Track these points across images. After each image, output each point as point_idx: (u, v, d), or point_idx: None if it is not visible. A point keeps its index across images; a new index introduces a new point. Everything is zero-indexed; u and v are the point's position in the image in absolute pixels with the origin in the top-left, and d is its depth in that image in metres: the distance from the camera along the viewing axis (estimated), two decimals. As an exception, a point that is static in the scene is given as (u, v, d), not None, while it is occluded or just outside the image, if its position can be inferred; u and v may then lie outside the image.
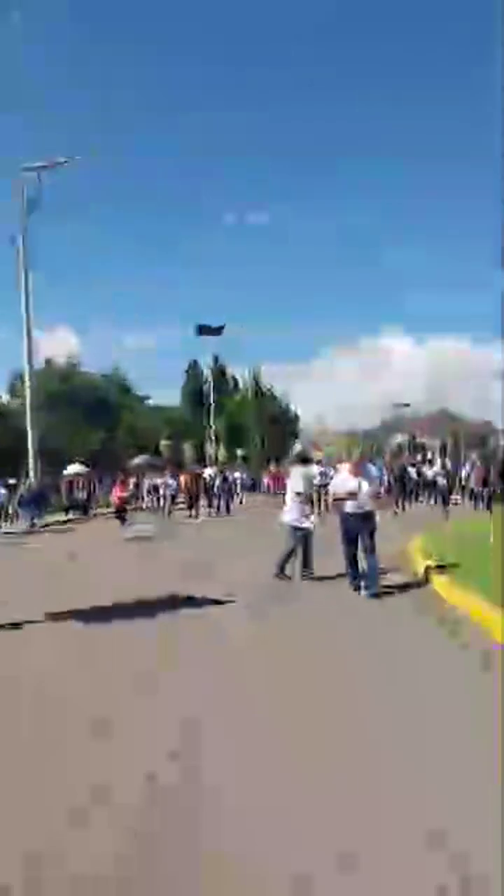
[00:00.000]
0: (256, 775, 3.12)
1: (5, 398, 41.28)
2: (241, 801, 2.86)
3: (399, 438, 65.83)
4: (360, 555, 7.37)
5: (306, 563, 8.38)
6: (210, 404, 48.88)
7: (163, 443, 37.06)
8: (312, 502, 9.37)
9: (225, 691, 4.34)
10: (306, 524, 8.35)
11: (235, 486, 25.40)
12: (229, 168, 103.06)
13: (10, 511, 20.46)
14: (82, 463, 26.09)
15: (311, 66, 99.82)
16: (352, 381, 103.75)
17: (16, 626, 6.54)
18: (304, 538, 8.33)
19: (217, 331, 45.76)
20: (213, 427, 47.33)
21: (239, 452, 43.97)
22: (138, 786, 3.01)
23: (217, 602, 7.23)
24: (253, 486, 32.79)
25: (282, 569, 8.28)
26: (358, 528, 7.31)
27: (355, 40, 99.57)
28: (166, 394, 61.19)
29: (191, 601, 7.30)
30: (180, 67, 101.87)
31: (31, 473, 21.88)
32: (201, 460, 38.31)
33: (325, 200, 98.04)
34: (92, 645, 5.84)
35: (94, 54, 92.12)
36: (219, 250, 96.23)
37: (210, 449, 44.20)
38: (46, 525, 19.35)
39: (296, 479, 8.71)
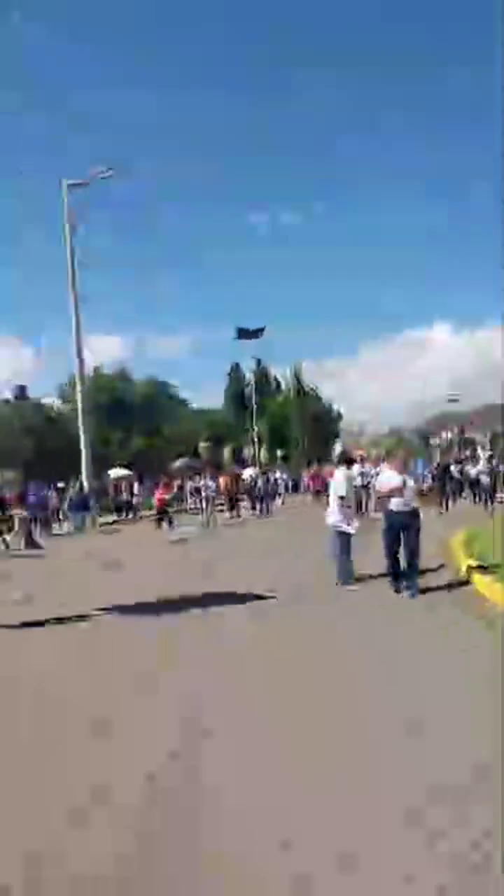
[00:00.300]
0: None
1: (57, 403, 42.67)
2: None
3: (448, 434, 64.77)
4: (402, 553, 7.36)
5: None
6: (252, 406, 49.34)
7: (201, 445, 37.66)
8: (355, 505, 9.44)
9: (262, 682, 4.51)
10: (348, 528, 8.28)
11: (277, 486, 25.72)
12: (263, 168, 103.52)
13: (60, 513, 21.31)
14: (125, 466, 26.84)
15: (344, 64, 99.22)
16: (397, 376, 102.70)
17: (59, 620, 7.02)
18: (347, 540, 8.29)
19: (256, 333, 46.14)
20: (256, 428, 47.75)
21: (279, 453, 44.21)
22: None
23: (259, 597, 7.48)
24: (295, 486, 33.03)
25: (346, 571, 8.11)
26: (402, 526, 7.31)
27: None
28: (209, 397, 61.98)
29: (233, 598, 7.53)
30: (207, 66, 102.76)
31: (83, 477, 22.64)
32: (242, 462, 38.75)
33: (362, 198, 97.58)
34: (138, 637, 6.17)
35: (118, 55, 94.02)
36: (258, 249, 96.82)
37: (250, 450, 44.59)
38: (94, 527, 20.00)
39: (339, 482, 8.59)
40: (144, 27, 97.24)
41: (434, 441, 60.65)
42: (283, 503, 25.54)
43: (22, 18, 78.16)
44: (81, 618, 7.10)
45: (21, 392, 43.75)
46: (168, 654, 5.58)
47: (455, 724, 3.64)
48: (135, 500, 23.35)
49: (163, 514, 18.28)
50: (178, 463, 36.09)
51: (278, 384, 61.57)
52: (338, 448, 41.43)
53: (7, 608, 7.86)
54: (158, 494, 19.07)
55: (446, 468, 19.17)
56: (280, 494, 27.27)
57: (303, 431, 51.13)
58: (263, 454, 43.98)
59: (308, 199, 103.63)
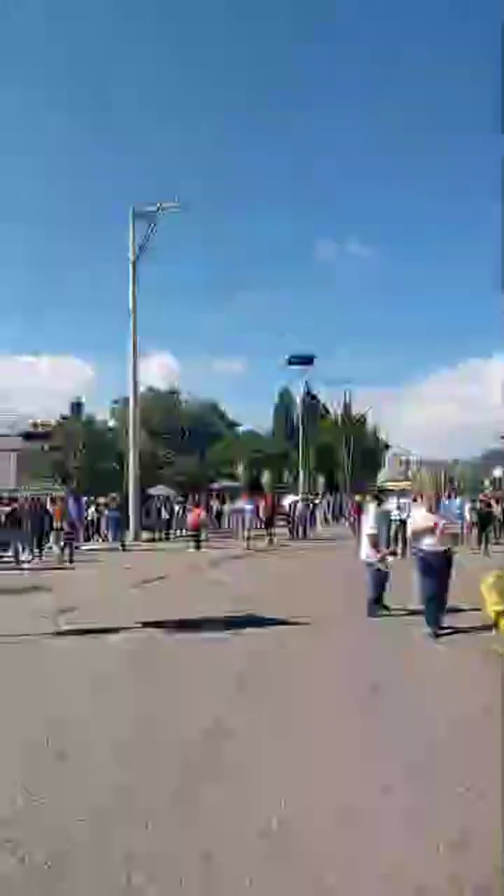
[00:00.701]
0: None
1: (110, 421, 44.15)
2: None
3: (499, 471, 63.16)
4: (433, 592, 7.27)
5: (377, 600, 8.46)
6: (300, 431, 49.65)
7: (240, 468, 38.24)
8: (389, 541, 9.52)
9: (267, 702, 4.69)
10: (377, 564, 8.39)
11: (316, 513, 25.79)
12: (322, 195, 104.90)
13: (102, 529, 21.77)
14: (169, 486, 27.38)
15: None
16: (451, 408, 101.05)
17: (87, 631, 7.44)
18: (378, 575, 8.40)
19: (308, 360, 46.54)
20: (302, 453, 47.97)
21: (320, 480, 44.27)
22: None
23: (285, 623, 7.73)
24: (340, 514, 33.04)
25: (372, 606, 8.33)
26: (434, 567, 7.28)
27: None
28: (259, 420, 62.59)
29: (259, 620, 7.85)
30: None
31: (130, 494, 23.34)
32: (281, 487, 39.07)
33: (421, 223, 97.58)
34: (177, 646, 6.43)
35: (179, 87, 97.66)
36: (313, 275, 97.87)
37: (292, 476, 44.78)
38: (130, 543, 20.39)
39: (369, 518, 8.73)
40: (210, 58, 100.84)
41: (487, 476, 59.20)
42: (322, 531, 25.67)
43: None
44: (119, 630, 7.55)
45: (77, 408, 45.54)
46: (197, 664, 5.89)
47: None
48: (173, 520, 23.82)
49: (197, 535, 18.62)
50: (217, 484, 36.70)
51: (327, 410, 61.73)
52: (381, 477, 41.22)
53: (47, 620, 8.35)
54: (194, 515, 19.39)
55: (488, 505, 18.87)
56: (322, 522, 27.39)
57: (349, 459, 51.04)
58: (307, 480, 44.07)
59: (373, 229, 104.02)
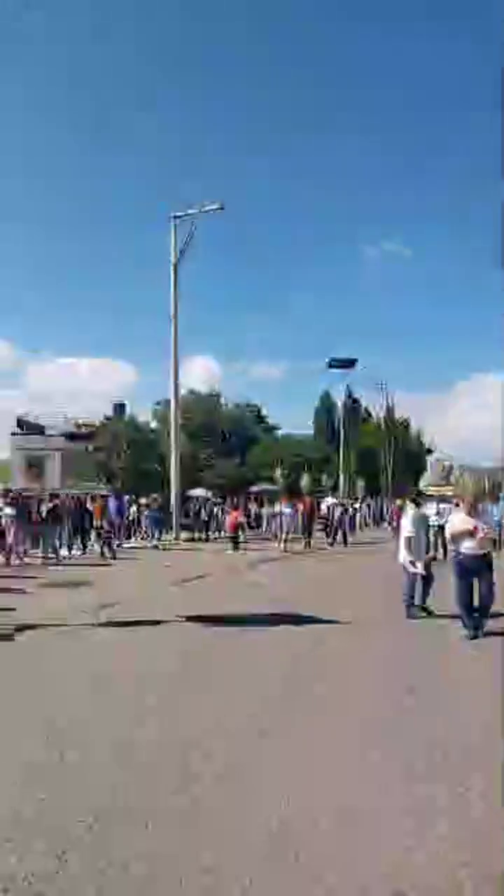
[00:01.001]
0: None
1: (153, 423, 44.83)
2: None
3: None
4: (473, 596, 7.28)
5: (415, 602, 8.42)
6: (340, 434, 49.36)
7: (278, 472, 38.28)
8: (429, 545, 9.44)
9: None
10: (413, 568, 8.43)
11: (356, 518, 25.56)
12: (364, 195, 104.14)
13: (142, 527, 22.08)
14: (207, 488, 27.58)
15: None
16: (497, 412, 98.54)
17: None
18: (414, 578, 8.41)
19: (349, 364, 46.29)
20: (342, 457, 47.69)
21: (360, 483, 43.85)
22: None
23: (321, 621, 7.87)
24: (381, 518, 32.73)
25: (410, 608, 8.37)
26: (474, 571, 7.25)
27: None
28: (300, 424, 62.56)
29: (296, 618, 8.00)
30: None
31: (172, 494, 23.65)
32: (320, 491, 38.88)
33: (462, 223, 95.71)
34: (215, 637, 6.55)
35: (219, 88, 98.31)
36: (354, 278, 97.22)
37: (332, 480, 44.48)
38: (169, 542, 20.71)
39: (406, 521, 8.74)
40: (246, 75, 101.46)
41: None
42: (362, 535, 25.43)
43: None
44: (159, 623, 7.82)
45: (120, 410, 46.38)
46: (234, 660, 6.02)
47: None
48: (211, 521, 24.00)
49: (235, 537, 18.72)
50: (255, 487, 36.80)
51: (369, 414, 61.13)
52: (423, 482, 40.59)
53: (88, 614, 8.59)
54: (232, 517, 19.51)
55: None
56: (362, 525, 27.10)
57: (391, 463, 50.45)
58: (347, 484, 43.76)
59: (414, 229, 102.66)
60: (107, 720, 4.58)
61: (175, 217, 24.25)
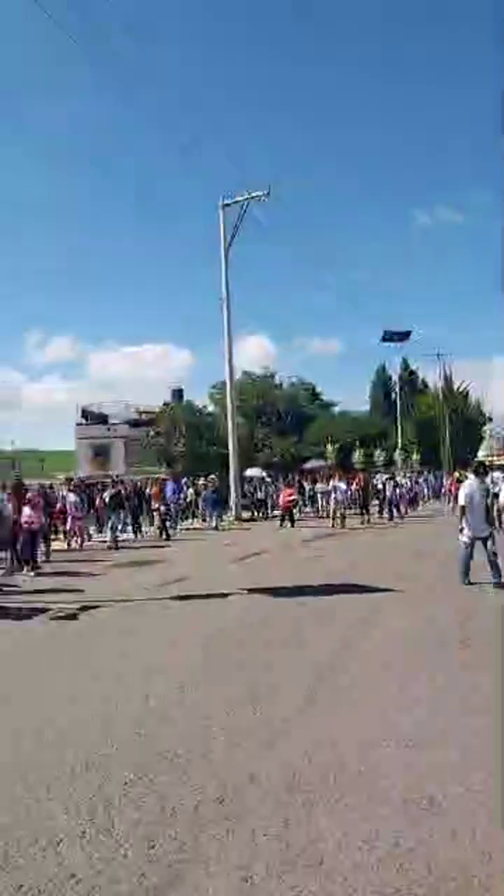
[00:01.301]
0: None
1: (210, 407, 45.51)
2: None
3: None
4: None
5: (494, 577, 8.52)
6: (397, 408, 48.77)
7: (329, 448, 38.18)
8: (489, 516, 9.45)
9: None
10: (462, 536, 8.72)
11: (411, 492, 25.46)
12: (416, 164, 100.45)
13: (200, 509, 22.61)
14: (262, 467, 27.89)
15: None
16: None
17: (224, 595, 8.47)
18: (470, 549, 8.64)
19: (404, 336, 45.45)
20: (400, 431, 47.12)
21: (415, 457, 43.12)
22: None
23: (376, 591, 8.34)
24: (440, 491, 32.33)
25: (464, 576, 8.61)
26: None
27: None
28: (356, 399, 62.07)
29: (351, 588, 8.55)
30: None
31: (231, 475, 24.23)
32: (375, 465, 38.58)
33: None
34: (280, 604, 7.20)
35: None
36: (408, 249, 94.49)
37: (388, 454, 43.98)
38: (226, 522, 21.36)
39: (462, 491, 8.95)
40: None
41: None
42: (417, 508, 25.31)
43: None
44: (227, 595, 8.48)
45: (178, 395, 47.31)
46: (296, 626, 6.49)
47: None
48: (267, 500, 24.33)
49: (290, 515, 19.08)
50: (309, 465, 36.97)
51: (426, 385, 59.89)
52: (481, 452, 39.57)
53: (160, 588, 9.25)
54: (285, 495, 19.85)
55: None
56: (421, 499, 26.88)
57: (450, 435, 49.38)
58: (401, 457, 43.21)
59: (467, 194, 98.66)
60: (180, 669, 5.22)
61: (224, 205, 24.54)
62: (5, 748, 3.87)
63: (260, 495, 24.05)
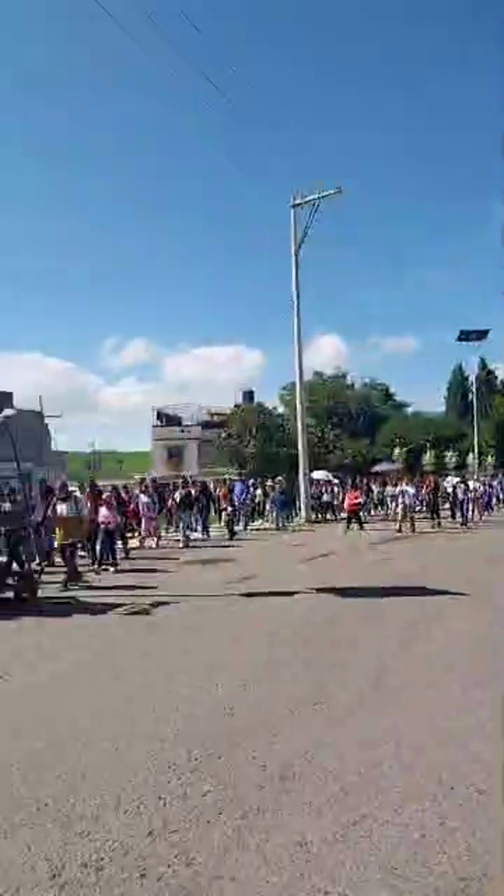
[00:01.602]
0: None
1: (280, 408, 45.91)
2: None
3: None
4: None
5: None
6: (473, 408, 47.30)
7: (397, 451, 37.50)
8: None
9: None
10: None
11: (484, 495, 24.73)
12: (494, 158, 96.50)
13: (267, 510, 22.92)
14: (332, 469, 27.78)
15: None
16: None
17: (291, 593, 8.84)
18: None
19: (482, 335, 44.08)
20: (476, 432, 45.73)
21: (489, 460, 41.75)
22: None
23: (443, 593, 8.49)
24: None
25: None
26: None
27: None
28: (431, 400, 60.66)
29: (413, 590, 8.75)
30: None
31: (301, 477, 24.44)
32: (446, 468, 37.58)
33: None
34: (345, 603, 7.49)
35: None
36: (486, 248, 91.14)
37: (455, 457, 42.77)
38: (293, 524, 21.63)
39: None
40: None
41: None
42: (492, 514, 24.61)
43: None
44: (295, 593, 8.81)
45: (249, 396, 48.01)
46: (361, 625, 6.79)
47: None
48: (334, 502, 24.25)
49: (354, 518, 18.97)
50: (377, 467, 36.57)
51: (504, 385, 57.74)
52: None
53: (231, 586, 9.69)
54: (350, 498, 19.74)
55: None
56: (494, 504, 26.09)
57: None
58: (475, 459, 41.94)
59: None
60: (250, 661, 5.58)
61: (295, 205, 24.68)
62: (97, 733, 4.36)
63: (326, 497, 24.03)
